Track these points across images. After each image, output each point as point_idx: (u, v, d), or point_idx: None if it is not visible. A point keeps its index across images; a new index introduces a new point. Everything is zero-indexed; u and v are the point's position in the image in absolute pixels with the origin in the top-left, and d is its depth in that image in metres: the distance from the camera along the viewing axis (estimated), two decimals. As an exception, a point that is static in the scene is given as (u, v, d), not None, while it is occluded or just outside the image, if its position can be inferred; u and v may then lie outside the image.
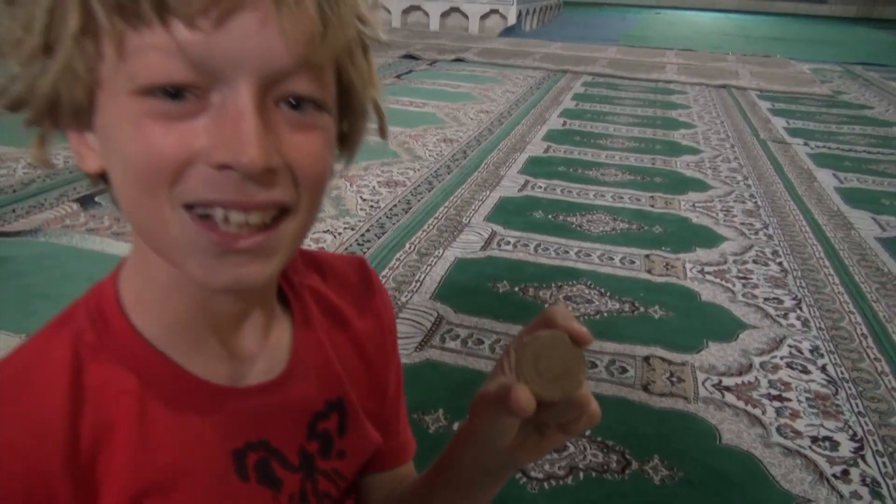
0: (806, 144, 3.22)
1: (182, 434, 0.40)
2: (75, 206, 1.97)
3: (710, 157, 2.92)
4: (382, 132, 0.44)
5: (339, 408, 0.49)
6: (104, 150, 0.37)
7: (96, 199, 2.02)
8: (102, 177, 0.39)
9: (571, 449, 1.11)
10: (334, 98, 0.38)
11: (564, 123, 3.42)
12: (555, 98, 4.06)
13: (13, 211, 1.91)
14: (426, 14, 7.68)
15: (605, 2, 14.81)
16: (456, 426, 1.15)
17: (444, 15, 7.64)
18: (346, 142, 0.43)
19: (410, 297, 1.57)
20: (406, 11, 7.75)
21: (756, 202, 2.37)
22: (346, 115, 0.41)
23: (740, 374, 1.35)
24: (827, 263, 1.89)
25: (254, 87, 0.33)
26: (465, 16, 7.57)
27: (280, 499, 0.45)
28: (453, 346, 1.39)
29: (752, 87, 4.74)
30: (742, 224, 2.15)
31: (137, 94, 0.33)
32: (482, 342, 1.41)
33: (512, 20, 7.47)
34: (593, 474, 1.07)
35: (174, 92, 0.33)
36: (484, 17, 7.53)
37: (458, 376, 1.29)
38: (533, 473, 1.06)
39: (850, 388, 1.32)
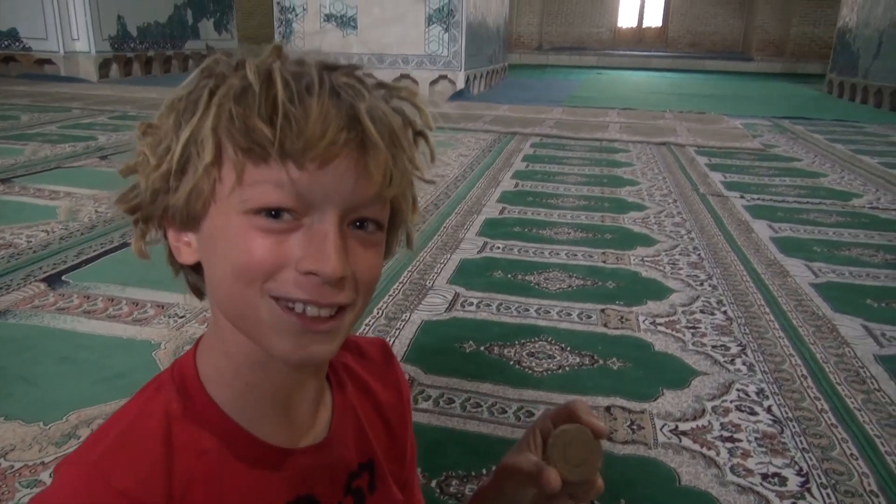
0: (742, 197, 3.45)
1: (250, 487, 0.49)
2: (43, 285, 1.99)
3: (655, 212, 3.10)
4: (409, 244, 0.55)
5: (370, 468, 0.58)
6: (205, 249, 0.46)
7: (63, 277, 2.04)
8: (193, 268, 0.48)
9: (543, 499, 1.18)
10: (387, 218, 0.48)
11: (517, 185, 3.58)
12: (506, 160, 4.25)
13: (-21, 293, 1.92)
14: (377, 81, 7.91)
15: (547, 63, 15.49)
16: (433, 483, 1.20)
17: (395, 81, 7.88)
18: (389, 250, 0.52)
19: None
20: (358, 79, 7.97)
21: (700, 254, 2.53)
22: (391, 230, 0.51)
23: (694, 418, 1.45)
24: (767, 310, 2.03)
25: (338, 215, 0.44)
26: (416, 82, 7.84)
27: None
28: (425, 406, 1.46)
29: (690, 144, 5.03)
30: (688, 276, 2.30)
31: (247, 212, 0.42)
32: (453, 401, 1.48)
33: (461, 85, 7.78)
34: (565, 522, 1.13)
35: (276, 213, 0.42)
36: (433, 82, 7.82)
37: (432, 435, 1.35)
38: (509, 525, 1.12)
39: (794, 427, 1.43)
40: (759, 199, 3.43)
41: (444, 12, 7.53)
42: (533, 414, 1.45)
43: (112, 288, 1.95)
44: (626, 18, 16.84)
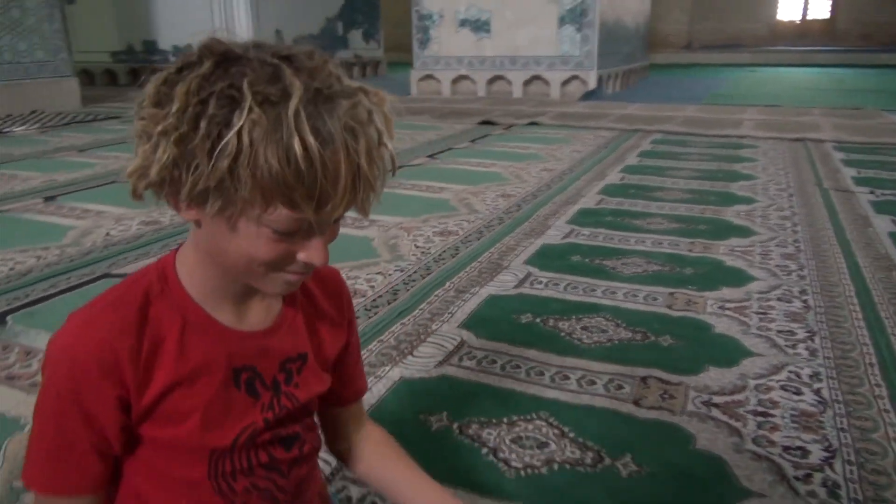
0: (871, 192, 3.20)
1: (204, 353, 0.65)
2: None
3: (764, 206, 2.98)
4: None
5: (303, 359, 0.74)
6: (218, 229, 0.59)
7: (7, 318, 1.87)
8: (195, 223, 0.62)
9: (553, 447, 1.27)
10: None
11: (623, 178, 3.58)
12: (620, 156, 4.22)
13: None
14: (509, 83, 8.08)
15: (696, 63, 14.83)
16: (455, 425, 1.32)
17: (527, 83, 8.01)
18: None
19: (440, 326, 1.78)
20: (490, 81, 8.19)
21: (798, 246, 2.42)
22: None
23: (731, 393, 1.45)
24: (855, 301, 1.93)
25: (328, 235, 0.61)
26: (547, 83, 7.90)
27: (257, 405, 0.69)
28: (469, 364, 1.58)
29: (831, 139, 4.69)
30: (777, 266, 2.22)
31: (269, 227, 0.57)
32: (495, 362, 1.59)
33: (592, 85, 7.72)
34: (567, 466, 1.21)
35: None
36: (565, 83, 7.83)
37: (467, 388, 1.47)
38: (513, 463, 1.22)
39: (839, 409, 1.39)
40: (891, 194, 3.17)
41: (576, 12, 7.53)
42: (568, 378, 1.52)
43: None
44: (786, 12, 15.71)
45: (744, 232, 2.61)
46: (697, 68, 13.41)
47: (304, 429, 0.76)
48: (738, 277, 2.13)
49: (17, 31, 6.36)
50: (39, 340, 1.69)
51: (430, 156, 4.28)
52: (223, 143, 0.52)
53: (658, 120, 5.74)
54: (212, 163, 0.52)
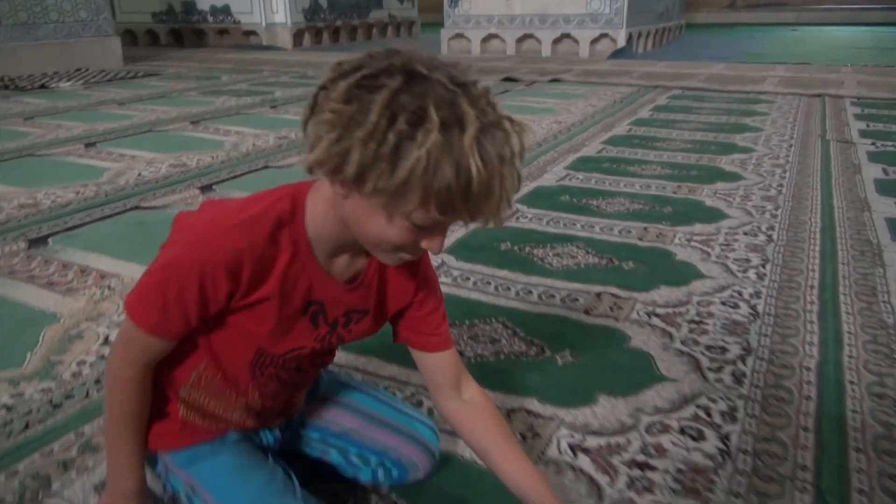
0: (872, 144, 3.26)
1: (297, 282, 0.79)
2: (198, 192, 2.58)
3: (760, 155, 3.07)
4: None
5: (365, 312, 0.88)
6: (363, 209, 0.68)
7: (213, 187, 2.62)
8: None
9: (503, 342, 1.46)
10: None
11: (630, 130, 3.68)
12: (633, 110, 4.31)
13: None
14: (538, 41, 8.11)
15: (738, 22, 14.46)
16: (422, 325, 1.52)
17: (556, 42, 8.02)
18: None
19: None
20: (520, 40, 8.22)
21: (781, 190, 2.53)
22: None
23: (674, 306, 1.62)
24: (817, 236, 2.06)
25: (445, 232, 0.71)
26: (576, 41, 7.90)
27: (314, 334, 0.85)
28: (444, 280, 1.77)
29: (851, 95, 4.68)
30: (754, 206, 2.35)
31: (411, 221, 0.66)
32: (469, 279, 1.78)
33: (621, 43, 7.70)
34: (512, 357, 1.40)
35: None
36: (594, 41, 7.82)
37: (439, 298, 1.67)
38: (466, 353, 1.41)
39: (768, 320, 1.55)
40: (891, 146, 3.22)
41: (606, -31, 7.48)
42: (531, 293, 1.70)
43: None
44: (835, -32, 15.09)
45: (732, 177, 2.72)
46: (739, 28, 13.09)
47: (330, 358, 0.96)
48: (713, 215, 2.26)
49: (62, -9, 6.66)
50: (76, 257, 1.94)
51: (448, 109, 4.43)
52: (408, 154, 0.61)
53: (681, 77, 5.76)
54: (394, 170, 0.62)
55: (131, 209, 2.40)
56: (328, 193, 0.73)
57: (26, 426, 1.19)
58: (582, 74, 6.06)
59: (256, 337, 0.81)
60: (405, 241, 0.69)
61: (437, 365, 0.92)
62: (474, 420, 0.91)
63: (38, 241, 2.08)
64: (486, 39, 8.41)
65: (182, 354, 0.84)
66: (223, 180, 2.75)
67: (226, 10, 9.79)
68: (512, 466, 0.87)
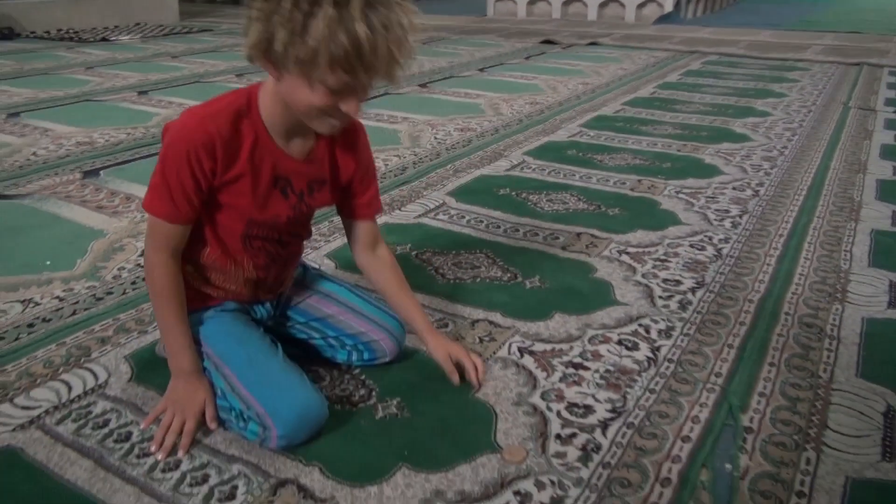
0: (894, 112, 3.27)
1: (262, 161, 1.02)
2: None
3: (775, 119, 3.13)
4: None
5: (323, 182, 1.12)
6: (293, 83, 0.89)
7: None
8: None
9: (482, 269, 1.65)
10: None
11: (653, 93, 3.76)
12: (661, 75, 4.36)
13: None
14: (585, 5, 8.07)
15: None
16: (413, 253, 1.72)
17: (603, 5, 7.97)
18: None
19: (430, 193, 2.16)
20: (566, 3, 8.20)
21: (783, 151, 2.62)
22: None
23: (645, 247, 1.78)
24: (802, 193, 2.16)
25: (361, 98, 0.94)
26: (623, 5, 7.84)
27: (286, 202, 1.08)
28: (442, 218, 1.96)
29: (890, 65, 4.61)
30: (751, 165, 2.45)
31: (325, 85, 0.90)
32: (463, 217, 1.97)
33: (668, 8, 7.62)
34: (487, 281, 1.59)
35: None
36: (641, 5, 7.75)
37: (433, 232, 1.86)
38: (447, 276, 1.61)
39: (729, 261, 1.69)
40: (913, 114, 3.23)
41: (655, -69, 7.37)
42: (518, 231, 1.88)
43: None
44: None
45: (740, 138, 2.81)
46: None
47: (304, 230, 1.19)
48: (708, 172, 2.38)
49: (123, -52, 6.97)
50: (122, 187, 2.20)
51: (481, 69, 4.56)
52: (312, 28, 0.82)
53: (721, 43, 5.72)
54: (304, 41, 0.83)
55: (174, 149, 2.65)
56: (271, 86, 0.97)
57: (74, 312, 1.45)
58: (622, 39, 6.07)
59: (243, 211, 1.05)
60: (326, 104, 0.91)
61: (362, 230, 1.21)
62: (381, 271, 1.22)
63: (91, 173, 2.36)
64: (532, 2, 8.41)
65: (193, 243, 1.08)
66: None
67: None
68: (403, 302, 1.22)
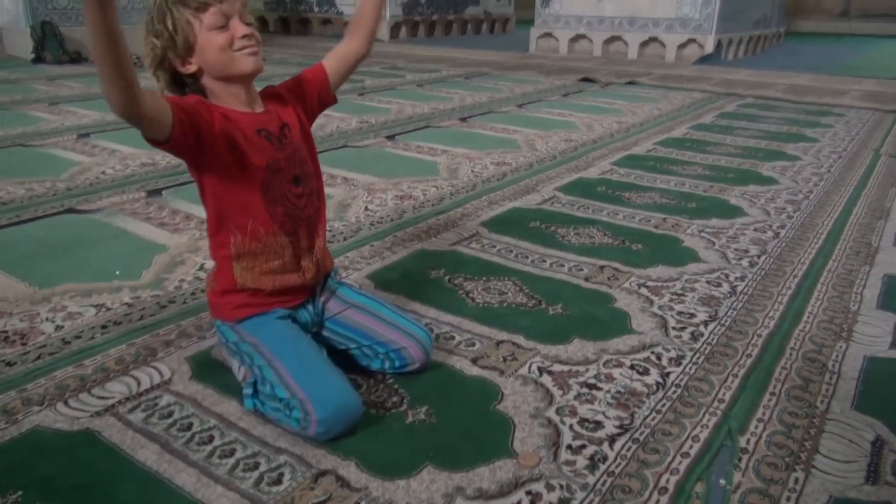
0: (926, 160, 3.32)
1: (238, 122, 1.23)
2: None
3: (805, 164, 3.22)
4: None
5: (289, 126, 1.31)
6: (201, 55, 1.19)
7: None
8: (193, 77, 1.23)
9: (509, 295, 1.78)
10: None
11: (686, 133, 3.87)
12: (696, 115, 4.47)
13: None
14: (626, 44, 8.23)
15: (849, 32, 13.89)
16: (446, 278, 1.87)
17: (643, 45, 8.13)
18: None
19: (465, 223, 2.31)
20: (607, 42, 8.37)
21: (809, 196, 2.70)
22: None
23: (665, 281, 1.89)
24: (822, 237, 2.25)
25: (238, 17, 1.20)
26: (663, 45, 7.98)
27: (272, 147, 1.27)
28: (475, 246, 2.11)
29: (928, 112, 4.64)
30: (774, 208, 2.54)
31: (210, 30, 1.17)
32: (495, 247, 2.11)
33: (709, 49, 7.72)
34: (513, 306, 1.73)
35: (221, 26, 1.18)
36: (682, 46, 7.88)
37: (466, 259, 2.01)
38: (477, 300, 1.75)
39: (743, 298, 1.80)
40: (944, 163, 3.28)
41: (698, -26, 7.52)
42: (545, 262, 2.01)
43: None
44: (962, -21, 14.18)
45: (767, 181, 2.90)
46: (847, 38, 12.60)
47: (305, 175, 1.34)
48: (732, 213, 2.48)
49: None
50: (182, 206, 2.41)
51: (520, 105, 4.74)
52: (174, 30, 1.16)
53: (759, 86, 5.80)
54: (174, 24, 1.16)
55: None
56: (204, 77, 1.21)
57: (141, 317, 1.63)
58: (660, 79, 6.20)
59: (246, 166, 1.23)
60: (225, 39, 1.17)
61: (340, 50, 1.43)
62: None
63: (154, 192, 2.57)
64: (574, 39, 8.61)
65: (220, 242, 1.28)
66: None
67: (330, 1, 10.44)
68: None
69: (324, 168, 2.98)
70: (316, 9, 10.79)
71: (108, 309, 1.66)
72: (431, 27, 11.00)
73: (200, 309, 1.66)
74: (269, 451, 1.17)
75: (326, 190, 2.66)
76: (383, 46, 9.02)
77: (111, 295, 1.74)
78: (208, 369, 1.40)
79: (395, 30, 10.20)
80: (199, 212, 2.35)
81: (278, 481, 1.10)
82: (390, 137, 3.59)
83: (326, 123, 3.90)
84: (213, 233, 1.30)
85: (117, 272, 1.87)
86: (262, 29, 6.80)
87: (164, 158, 3.06)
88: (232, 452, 1.16)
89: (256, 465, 1.13)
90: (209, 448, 1.17)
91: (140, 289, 1.77)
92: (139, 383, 1.35)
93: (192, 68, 1.19)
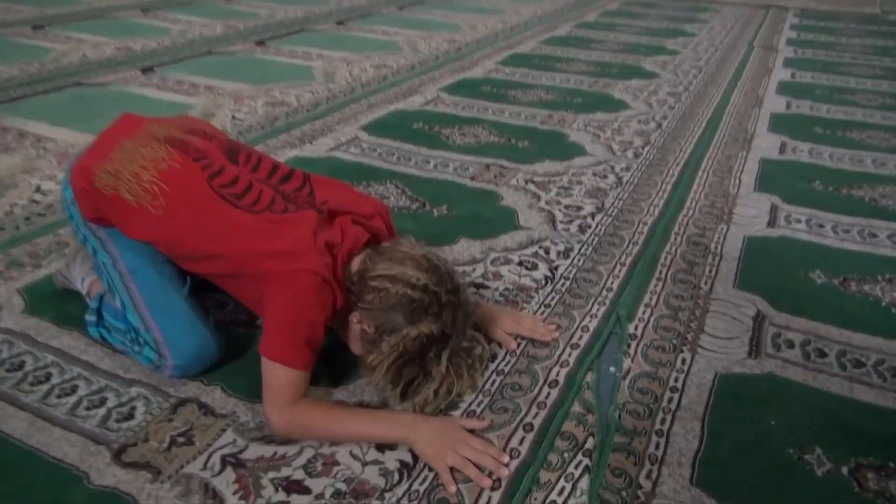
0: (794, 52, 3.42)
1: None
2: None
3: (683, 58, 3.23)
4: None
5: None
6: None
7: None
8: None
9: (392, 198, 1.66)
10: None
11: (570, 31, 3.80)
12: (582, 14, 4.39)
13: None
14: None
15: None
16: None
17: None
18: None
19: (343, 127, 2.14)
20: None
21: (687, 87, 2.71)
22: None
23: (551, 176, 1.83)
24: (703, 126, 2.26)
25: None
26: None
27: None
28: (354, 151, 1.96)
29: (795, 6, 4.79)
30: (657, 100, 2.53)
31: None
32: (375, 150, 1.97)
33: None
34: (396, 209, 1.61)
35: None
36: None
37: (345, 164, 1.86)
38: (355, 205, 1.61)
39: (630, 187, 1.77)
40: (810, 52, 3.39)
41: None
42: (429, 163, 1.90)
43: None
44: None
45: (649, 75, 2.89)
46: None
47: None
48: (617, 106, 2.45)
49: None
50: (16, 123, 2.09)
51: (401, 7, 4.48)
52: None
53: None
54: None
55: (73, 85, 2.52)
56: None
57: (-38, 248, 1.39)
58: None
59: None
60: None
61: None
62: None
63: (-20, 109, 2.22)
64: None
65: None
66: (165, 63, 2.85)
67: None
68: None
69: (184, 77, 2.73)
70: None
71: (-80, 242, 1.41)
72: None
73: (35, 234, 1.44)
74: (118, 383, 1.03)
75: (188, 100, 2.42)
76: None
77: (-76, 226, 1.48)
78: (45, 300, 1.22)
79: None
80: (35, 129, 2.05)
81: (130, 416, 0.96)
82: (260, 43, 3.29)
83: (188, 29, 3.52)
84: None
85: (-68, 200, 1.59)
86: None
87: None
88: (73, 390, 1.01)
89: (103, 402, 0.99)
90: (45, 387, 1.01)
91: (-39, 217, 1.52)
92: (-42, 322, 1.15)
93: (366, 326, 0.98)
